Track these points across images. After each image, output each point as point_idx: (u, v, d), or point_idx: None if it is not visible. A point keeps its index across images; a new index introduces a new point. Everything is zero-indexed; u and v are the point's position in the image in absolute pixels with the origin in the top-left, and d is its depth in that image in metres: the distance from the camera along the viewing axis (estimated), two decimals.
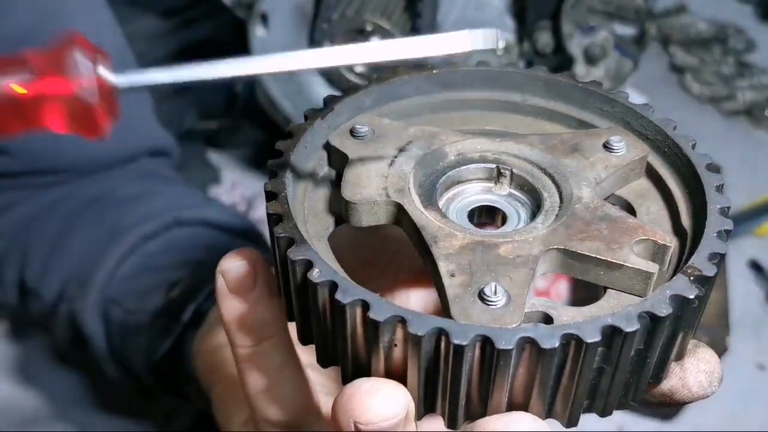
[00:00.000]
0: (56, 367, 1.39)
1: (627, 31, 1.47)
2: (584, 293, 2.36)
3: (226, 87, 2.20)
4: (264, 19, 1.69)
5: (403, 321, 0.40)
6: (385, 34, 1.56)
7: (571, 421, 0.44)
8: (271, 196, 0.48)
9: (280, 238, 0.45)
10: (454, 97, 0.59)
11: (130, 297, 0.91)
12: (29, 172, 1.05)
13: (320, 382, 0.61)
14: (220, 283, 0.53)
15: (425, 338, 0.40)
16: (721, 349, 1.97)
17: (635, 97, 2.01)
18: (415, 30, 1.57)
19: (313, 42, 1.67)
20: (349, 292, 0.41)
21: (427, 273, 0.61)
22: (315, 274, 0.42)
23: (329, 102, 0.55)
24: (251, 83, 2.02)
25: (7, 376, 1.41)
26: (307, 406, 0.57)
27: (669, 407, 0.48)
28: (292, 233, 0.45)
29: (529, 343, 0.40)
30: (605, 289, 0.47)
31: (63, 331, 1.01)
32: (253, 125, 2.14)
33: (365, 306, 0.41)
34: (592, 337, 0.40)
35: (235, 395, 0.68)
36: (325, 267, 0.43)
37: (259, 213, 1.96)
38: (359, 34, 1.59)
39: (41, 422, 1.28)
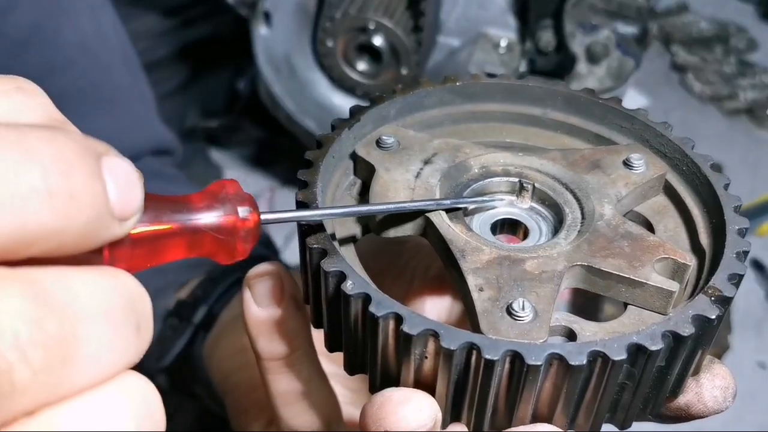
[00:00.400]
0: None
1: (629, 29, 1.47)
2: (584, 300, 2.35)
3: (228, 85, 2.20)
4: (267, 17, 1.69)
5: (435, 335, 0.41)
6: (388, 33, 1.56)
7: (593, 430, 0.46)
8: (302, 206, 0.49)
9: (313, 249, 0.46)
10: (475, 109, 0.60)
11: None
12: None
13: (341, 392, 0.61)
14: (247, 295, 0.54)
15: (457, 352, 0.41)
16: (723, 348, 1.97)
17: (637, 97, 2.01)
18: (417, 28, 1.57)
19: (316, 40, 1.67)
20: (383, 304, 0.42)
21: (441, 281, 0.62)
22: (349, 286, 0.43)
23: (355, 112, 0.56)
24: (252, 81, 2.02)
25: None
26: (334, 416, 0.58)
27: (684, 421, 0.49)
28: (324, 244, 0.45)
29: (557, 359, 0.40)
30: (626, 305, 0.48)
31: None
32: (254, 123, 2.15)
33: (398, 319, 0.42)
34: (619, 355, 0.41)
35: (253, 400, 0.68)
36: (359, 279, 0.43)
37: None
38: (362, 33, 1.59)
39: None
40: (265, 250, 1.00)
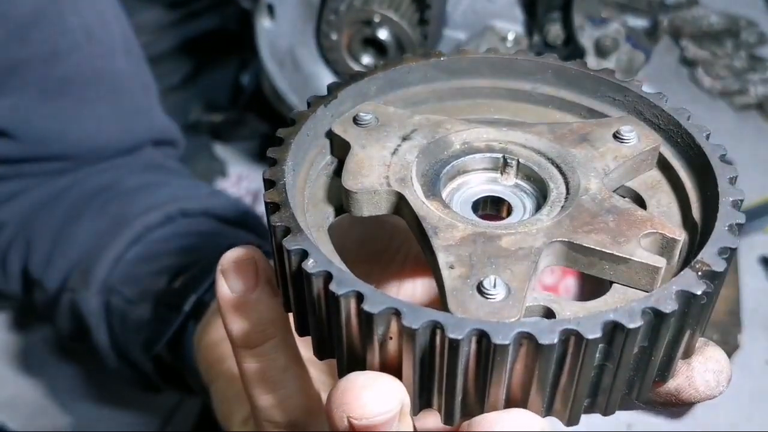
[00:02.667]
0: (59, 358, 1.39)
1: (639, 23, 1.44)
2: (593, 289, 2.34)
3: (232, 79, 2.19)
4: (270, 9, 1.68)
5: (397, 313, 0.39)
6: (393, 26, 1.54)
7: (572, 420, 0.43)
8: (269, 184, 0.47)
9: (277, 227, 0.44)
10: (461, 84, 0.58)
11: (132, 287, 0.90)
12: (34, 159, 1.04)
13: (319, 378, 0.60)
14: (221, 280, 0.52)
15: (420, 331, 0.39)
16: (732, 347, 1.95)
17: (646, 90, 1.98)
18: (423, 21, 1.54)
19: (320, 33, 1.65)
20: (344, 282, 0.40)
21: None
22: (310, 264, 0.41)
23: (333, 89, 0.54)
24: (256, 75, 2.01)
25: (9, 367, 1.40)
26: (311, 406, 0.56)
27: (675, 407, 0.47)
28: (288, 222, 0.44)
29: (526, 338, 0.38)
30: (611, 283, 0.45)
31: (65, 321, 1.00)
32: (258, 118, 2.13)
33: (359, 297, 0.40)
34: (593, 333, 0.38)
35: (235, 391, 0.67)
36: (321, 257, 0.42)
37: (247, 200, 1.96)
38: (367, 26, 1.57)
39: (42, 416, 1.27)
40: (257, 239, 0.99)
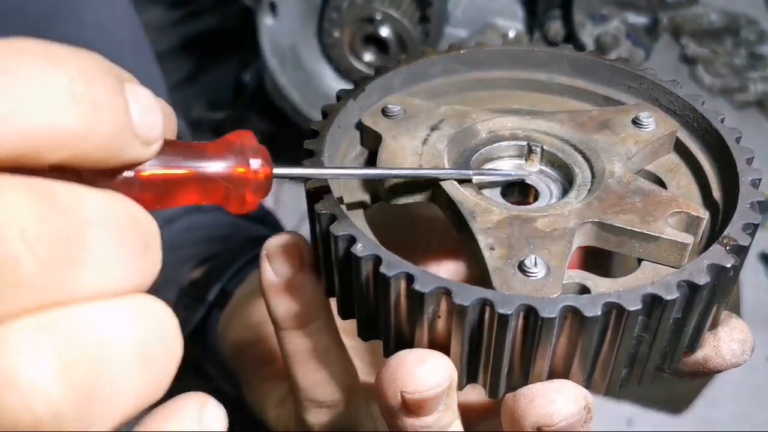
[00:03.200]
0: None
1: (639, 20, 1.45)
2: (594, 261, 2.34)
3: (234, 77, 2.20)
4: (273, 7, 1.68)
5: (447, 292, 0.40)
6: (395, 23, 1.55)
7: (610, 390, 0.45)
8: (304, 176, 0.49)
9: (322, 214, 0.46)
10: (480, 76, 0.60)
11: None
12: None
13: (359, 366, 0.61)
14: (265, 265, 0.53)
15: (470, 308, 0.40)
16: None
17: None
18: (424, 19, 1.55)
19: (322, 31, 1.66)
20: (394, 265, 0.42)
21: (454, 249, 0.61)
22: (359, 248, 0.43)
23: (360, 83, 0.56)
24: (259, 73, 2.01)
25: None
26: (354, 385, 0.58)
27: (702, 377, 0.49)
28: (333, 209, 0.45)
29: (571, 311, 0.40)
30: (639, 261, 0.47)
31: None
32: (261, 115, 2.14)
33: (410, 278, 0.41)
34: (634, 305, 0.40)
35: (269, 372, 0.68)
36: (368, 241, 0.43)
37: (268, 202, 1.96)
38: (368, 23, 1.58)
39: None
40: (272, 230, 1.00)
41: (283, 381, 0.63)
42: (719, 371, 0.48)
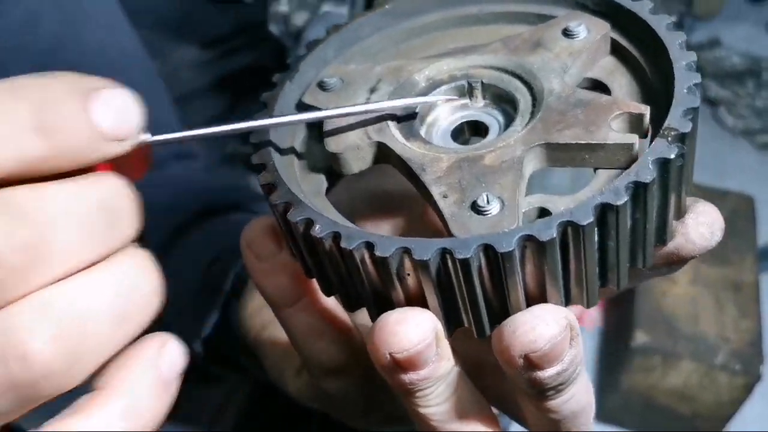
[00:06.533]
0: None
1: None
2: (617, 309, 2.33)
3: None
4: (308, 47, 1.73)
5: (407, 250, 0.41)
6: None
7: (590, 302, 0.46)
8: (259, 168, 0.49)
9: (278, 204, 0.46)
10: (412, 25, 0.60)
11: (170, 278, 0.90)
12: None
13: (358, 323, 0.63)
14: (248, 254, 0.56)
15: (431, 261, 0.41)
16: (754, 378, 1.95)
17: None
18: None
19: None
20: (352, 237, 0.43)
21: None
22: (317, 230, 0.44)
23: (294, 62, 0.56)
24: None
25: None
26: (355, 348, 0.60)
27: (678, 265, 0.50)
28: (287, 197, 0.46)
29: (528, 239, 0.40)
30: (595, 170, 0.48)
31: None
32: None
33: (370, 246, 0.42)
34: (586, 219, 0.40)
35: (281, 351, 0.70)
36: (325, 221, 0.44)
37: None
38: None
39: None
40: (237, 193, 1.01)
41: (294, 357, 0.66)
42: (693, 257, 0.49)
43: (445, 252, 0.41)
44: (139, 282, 0.38)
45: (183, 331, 0.87)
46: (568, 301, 0.44)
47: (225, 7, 2.29)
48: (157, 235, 0.95)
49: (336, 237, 0.43)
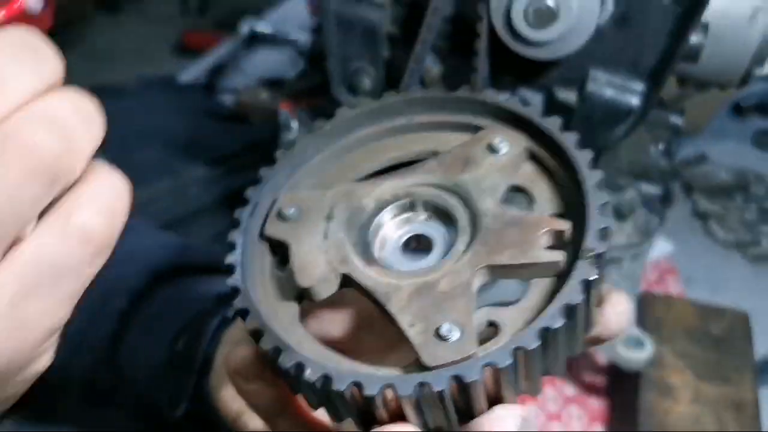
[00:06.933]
0: None
1: (653, 190, 1.57)
2: (621, 427, 2.31)
3: None
4: None
5: (391, 386, 0.46)
6: None
7: (537, 391, 0.51)
8: (241, 312, 0.53)
9: (267, 350, 0.50)
10: (349, 140, 0.64)
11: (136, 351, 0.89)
12: None
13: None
14: (236, 379, 0.59)
15: (413, 394, 0.46)
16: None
17: (663, 243, 2.06)
18: None
19: None
20: (343, 379, 0.47)
21: None
22: (308, 374, 0.48)
23: (250, 197, 0.60)
24: None
25: None
26: None
27: (600, 344, 0.57)
28: (275, 343, 0.50)
29: (489, 366, 0.46)
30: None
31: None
32: None
33: (359, 385, 0.47)
34: (534, 343, 0.46)
35: None
36: (315, 366, 0.48)
37: None
38: None
39: None
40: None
41: None
42: (611, 339, 0.56)
43: (423, 385, 0.46)
44: (86, 106, 0.42)
45: (158, 401, 0.84)
46: (519, 395, 0.50)
47: (233, 127, 2.38)
48: (118, 302, 0.92)
49: (327, 379, 0.47)
